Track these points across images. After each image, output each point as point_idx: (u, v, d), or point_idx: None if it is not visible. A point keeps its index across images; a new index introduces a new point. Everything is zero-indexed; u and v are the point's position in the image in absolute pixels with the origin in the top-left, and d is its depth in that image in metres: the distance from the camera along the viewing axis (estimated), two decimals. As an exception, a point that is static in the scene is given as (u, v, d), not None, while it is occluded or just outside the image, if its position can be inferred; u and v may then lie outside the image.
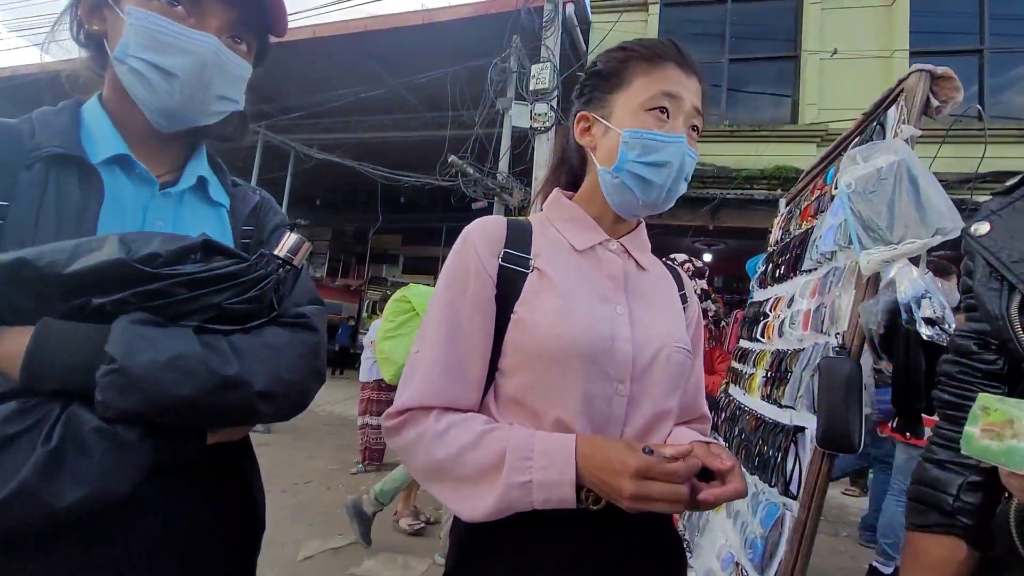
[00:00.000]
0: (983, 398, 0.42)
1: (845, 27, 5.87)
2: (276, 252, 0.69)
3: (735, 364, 2.16)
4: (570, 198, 0.85)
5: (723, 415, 2.04)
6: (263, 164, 7.62)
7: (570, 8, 5.60)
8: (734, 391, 2.04)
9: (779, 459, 1.31)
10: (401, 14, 6.31)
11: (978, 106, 5.15)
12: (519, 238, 0.79)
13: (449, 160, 6.06)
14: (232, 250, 0.65)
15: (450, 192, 6.85)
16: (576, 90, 0.86)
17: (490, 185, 6.45)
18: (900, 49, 5.60)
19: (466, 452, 0.65)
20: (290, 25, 0.82)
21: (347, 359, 11.17)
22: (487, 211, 7.05)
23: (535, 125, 5.25)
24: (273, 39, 0.80)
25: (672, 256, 2.57)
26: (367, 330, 5.20)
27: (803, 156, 5.71)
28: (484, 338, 0.74)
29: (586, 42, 6.34)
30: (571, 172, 0.89)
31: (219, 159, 0.83)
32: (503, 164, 6.41)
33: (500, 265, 0.76)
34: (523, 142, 5.93)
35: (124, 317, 0.55)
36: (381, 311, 3.30)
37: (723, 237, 6.71)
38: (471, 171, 6.27)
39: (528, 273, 0.76)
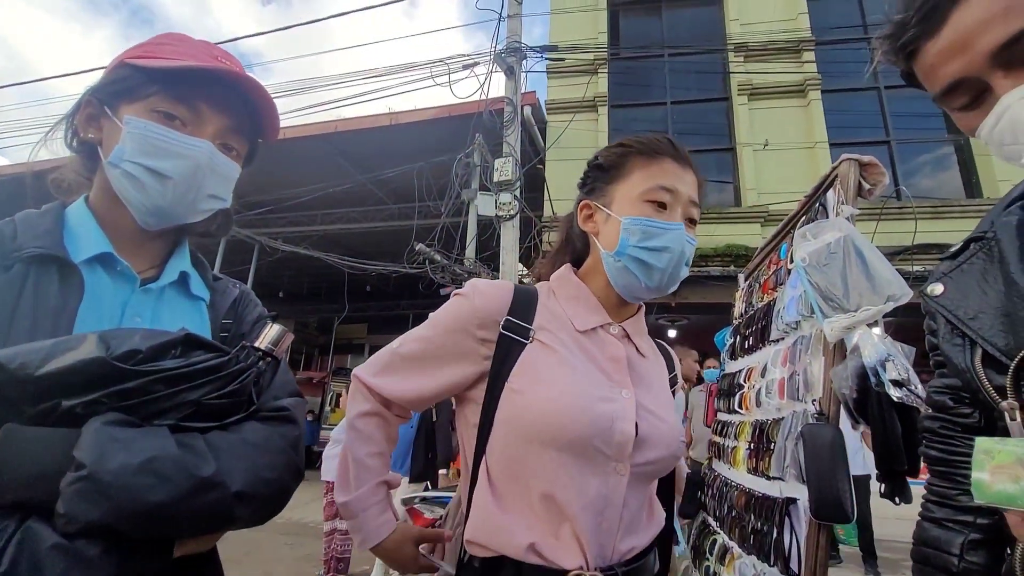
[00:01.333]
0: (982, 442, 0.42)
1: (771, 123, 6.61)
2: (257, 344, 0.69)
3: (715, 438, 2.15)
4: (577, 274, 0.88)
5: (710, 491, 2.00)
6: (227, 257, 7.55)
7: (527, 110, 6.12)
8: (719, 466, 2.01)
9: (775, 535, 1.28)
10: (369, 116, 6.72)
11: (902, 188, 5.78)
12: (523, 307, 0.80)
13: (416, 248, 6.19)
14: (212, 343, 0.64)
15: (417, 279, 6.92)
16: (579, 181, 0.92)
17: (457, 271, 6.57)
18: (820, 141, 6.31)
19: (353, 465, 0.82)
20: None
21: (307, 458, 10.43)
22: (455, 296, 7.11)
23: (500, 213, 5.50)
24: None
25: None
26: (331, 425, 4.94)
27: (750, 235, 6.15)
28: (440, 381, 0.80)
29: (543, 139, 6.86)
30: (574, 252, 0.93)
31: (200, 255, 0.84)
32: (470, 250, 6.59)
33: (501, 333, 0.77)
34: (488, 229, 6.16)
35: (96, 419, 0.52)
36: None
37: (685, 313, 6.94)
38: (438, 258, 6.41)
39: (527, 343, 0.77)
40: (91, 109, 0.71)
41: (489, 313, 0.78)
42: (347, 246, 8.34)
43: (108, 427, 0.52)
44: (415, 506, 3.63)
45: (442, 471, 4.52)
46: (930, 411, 0.70)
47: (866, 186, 1.39)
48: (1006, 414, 0.53)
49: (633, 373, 0.80)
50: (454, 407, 0.88)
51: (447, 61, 5.83)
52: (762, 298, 1.91)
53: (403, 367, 0.82)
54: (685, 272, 0.81)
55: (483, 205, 5.61)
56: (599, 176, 0.87)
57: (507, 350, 0.76)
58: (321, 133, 6.55)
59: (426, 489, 4.31)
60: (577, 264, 0.91)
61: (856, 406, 1.18)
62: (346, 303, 8.70)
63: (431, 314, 0.85)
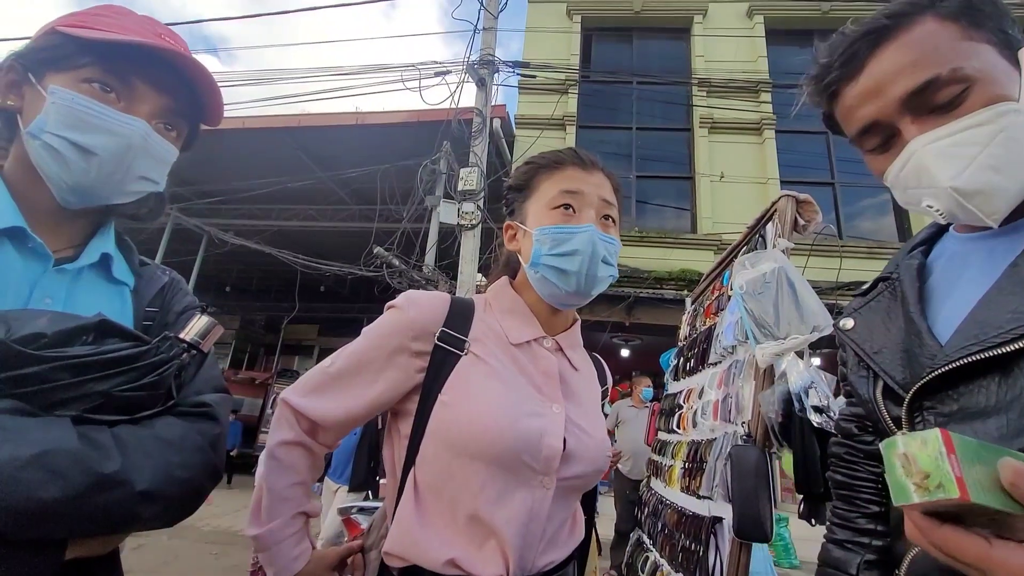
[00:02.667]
0: (891, 442, 0.39)
1: (728, 156, 6.93)
2: (182, 335, 0.65)
3: (654, 456, 2.19)
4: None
5: (646, 510, 2.03)
6: (172, 247, 7.19)
7: (496, 122, 6.17)
8: (655, 484, 2.05)
9: (701, 552, 1.32)
10: (335, 114, 6.60)
11: (831, 225, 6.15)
12: (460, 319, 0.80)
13: (375, 251, 6.09)
14: (131, 331, 0.61)
15: (373, 283, 6.78)
16: (503, 205, 0.93)
17: (415, 277, 6.49)
18: (772, 178, 6.66)
19: (269, 498, 0.77)
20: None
21: (242, 464, 9.76)
22: (411, 302, 7.01)
23: (462, 222, 5.50)
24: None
25: None
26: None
27: (703, 261, 6.39)
28: (373, 396, 0.78)
29: (511, 152, 6.93)
30: (512, 273, 0.94)
31: (127, 238, 0.79)
32: (429, 257, 6.53)
33: (435, 344, 0.77)
34: (450, 237, 6.13)
35: None
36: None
37: (639, 333, 7.11)
38: (397, 263, 6.32)
39: (462, 355, 0.76)
40: (13, 75, 0.66)
41: (424, 324, 0.77)
42: (302, 244, 8.09)
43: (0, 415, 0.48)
44: (352, 516, 3.51)
45: (383, 481, 4.39)
46: (838, 437, 0.74)
47: (801, 222, 1.47)
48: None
49: (565, 387, 0.81)
50: None
51: (419, 66, 5.81)
52: (705, 322, 1.98)
53: (334, 386, 0.79)
54: (604, 271, 0.80)
55: (445, 213, 5.59)
56: (515, 197, 0.89)
57: (441, 362, 0.76)
58: (284, 126, 6.38)
59: (366, 499, 4.18)
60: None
61: (781, 430, 1.24)
62: (296, 302, 8.43)
63: (364, 328, 0.83)
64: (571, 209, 0.80)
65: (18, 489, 0.46)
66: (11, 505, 0.46)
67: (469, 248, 5.53)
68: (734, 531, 1.13)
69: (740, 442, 1.27)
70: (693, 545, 1.36)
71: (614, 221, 0.84)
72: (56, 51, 0.65)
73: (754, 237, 1.66)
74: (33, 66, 0.65)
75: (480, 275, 5.76)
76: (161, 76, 0.68)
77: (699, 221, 6.72)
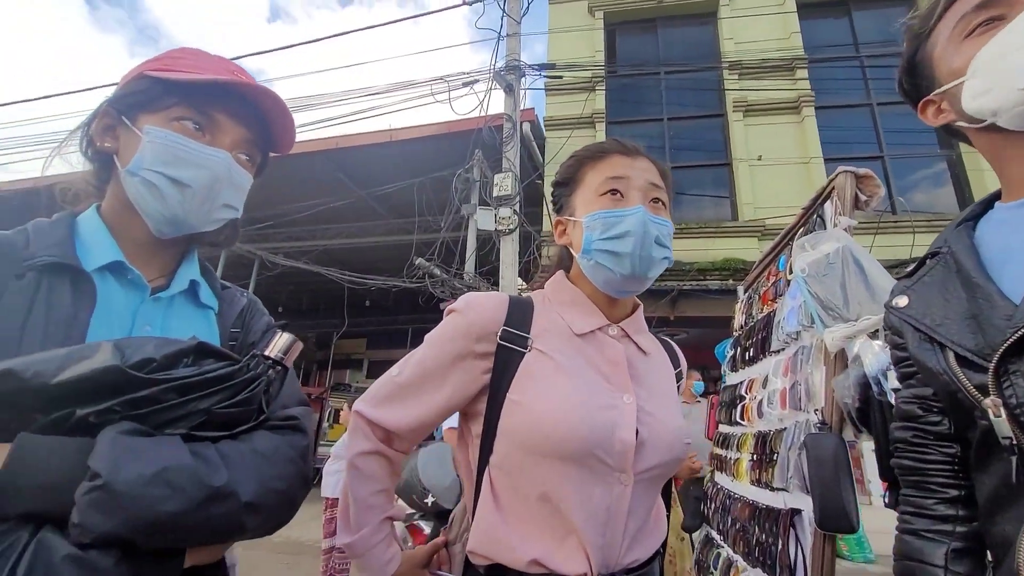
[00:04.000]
0: None
1: (766, 138, 6.70)
2: (267, 352, 0.68)
3: (717, 450, 2.14)
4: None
5: (713, 505, 1.99)
6: (226, 273, 7.56)
7: (526, 126, 6.20)
8: (721, 478, 2.00)
9: (780, 547, 1.28)
10: (369, 133, 6.78)
11: (900, 199, 5.84)
12: (520, 316, 0.80)
13: (416, 262, 6.21)
14: (224, 352, 0.64)
15: (417, 293, 6.92)
16: (551, 204, 0.94)
17: (457, 285, 6.58)
18: (815, 156, 6.39)
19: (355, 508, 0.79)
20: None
21: (304, 475, 10.22)
22: (455, 311, 7.12)
23: (500, 228, 5.54)
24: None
25: None
26: (330, 441, 4.89)
27: (747, 248, 6.20)
28: (442, 401, 0.79)
29: (542, 155, 6.95)
30: (566, 267, 0.93)
31: (207, 264, 0.84)
32: (469, 265, 6.61)
33: (498, 344, 0.77)
34: (488, 244, 6.19)
35: (110, 428, 0.52)
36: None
37: (685, 326, 6.95)
38: (438, 272, 6.42)
39: (526, 352, 0.76)
40: (108, 119, 0.72)
41: (485, 325, 0.78)
42: (346, 261, 8.34)
43: (122, 437, 0.51)
44: (415, 523, 3.59)
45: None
46: (900, 422, 0.70)
47: (863, 198, 1.41)
48: (989, 411, 0.54)
49: (634, 374, 0.80)
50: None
51: (447, 79, 5.92)
52: (762, 309, 1.93)
53: (403, 395, 0.81)
54: (660, 252, 0.79)
55: (482, 220, 5.65)
56: (562, 192, 0.89)
57: (506, 360, 0.76)
58: (322, 149, 6.61)
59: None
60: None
61: (859, 415, 1.19)
62: (345, 318, 8.69)
63: (427, 335, 0.84)
64: (618, 194, 0.80)
65: (144, 504, 0.50)
66: (140, 518, 0.49)
67: (509, 253, 5.56)
68: (816, 523, 1.09)
69: (814, 430, 1.23)
70: (769, 539, 1.32)
71: (664, 204, 0.83)
72: (146, 94, 0.69)
73: (811, 218, 1.60)
74: (126, 109, 0.70)
75: (520, 280, 5.79)
76: (238, 109, 0.73)
77: (740, 207, 6.52)
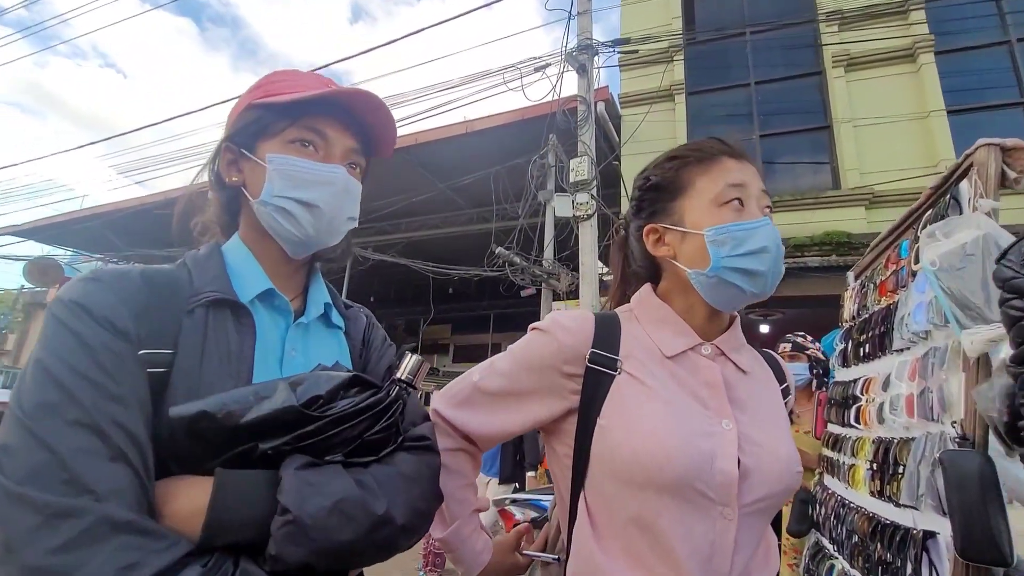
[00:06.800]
0: None
1: (873, 94, 5.98)
2: (399, 376, 0.71)
3: (827, 452, 1.99)
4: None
5: (823, 510, 1.86)
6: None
7: (601, 106, 6.01)
8: (832, 483, 1.86)
9: (909, 571, 1.16)
10: (446, 126, 6.93)
11: None
12: (607, 337, 0.77)
13: (496, 251, 6.30)
14: (370, 381, 0.67)
15: (498, 281, 7.05)
16: (633, 206, 0.87)
17: (537, 272, 6.61)
18: (935, 110, 5.61)
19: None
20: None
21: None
22: (536, 297, 7.16)
23: (577, 213, 5.46)
24: None
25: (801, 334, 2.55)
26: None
27: (852, 219, 5.63)
28: (524, 418, 0.79)
29: (618, 134, 6.71)
30: (640, 281, 0.88)
31: (328, 283, 0.86)
32: (548, 251, 6.60)
33: (587, 367, 0.74)
34: (566, 229, 6.14)
35: (290, 463, 0.56)
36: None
37: (779, 306, 6.48)
38: (518, 260, 6.48)
39: (616, 375, 0.74)
40: (230, 155, 0.75)
41: (574, 348, 0.76)
42: (430, 252, 8.67)
43: (301, 471, 0.56)
44: (506, 508, 3.71)
45: (530, 473, 4.58)
46: None
47: (1011, 174, 1.22)
48: None
49: (734, 397, 0.74)
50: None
51: (519, 66, 5.87)
52: (879, 301, 1.74)
53: (484, 403, 0.81)
54: (783, 267, 0.76)
55: (560, 206, 5.60)
56: (658, 196, 0.82)
57: (595, 384, 0.74)
58: (403, 146, 6.86)
59: (515, 491, 4.39)
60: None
61: (1008, 430, 1.05)
62: (431, 306, 9.06)
63: (510, 347, 0.83)
64: (740, 203, 0.74)
65: (327, 534, 0.54)
66: (323, 547, 0.54)
67: (588, 239, 5.48)
68: (957, 551, 0.98)
69: (952, 445, 1.10)
70: (897, 560, 1.21)
71: (771, 211, 0.78)
72: (258, 123, 0.72)
73: (940, 199, 1.41)
74: (244, 142, 0.73)
75: (601, 264, 5.69)
76: (343, 120, 0.74)
77: (843, 174, 5.90)
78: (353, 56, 6.29)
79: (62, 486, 0.46)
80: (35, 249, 12.07)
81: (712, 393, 0.74)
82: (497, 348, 13.05)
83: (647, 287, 0.85)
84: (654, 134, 6.36)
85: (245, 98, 0.75)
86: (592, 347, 0.75)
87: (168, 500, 0.53)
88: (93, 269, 0.72)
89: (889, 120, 5.79)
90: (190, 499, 0.53)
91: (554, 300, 7.32)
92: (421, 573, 4.30)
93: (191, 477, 0.55)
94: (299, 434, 0.57)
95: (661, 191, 0.81)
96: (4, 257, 11.39)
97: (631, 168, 6.39)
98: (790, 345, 2.71)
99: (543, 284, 6.82)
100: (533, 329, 0.81)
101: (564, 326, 0.78)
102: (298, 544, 0.52)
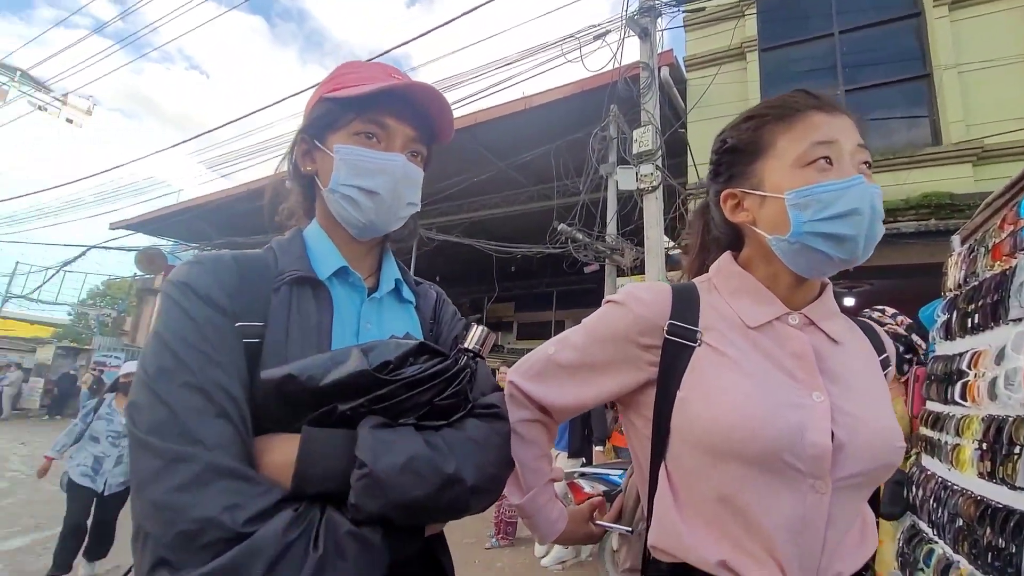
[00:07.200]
0: None
1: (983, 35, 5.27)
2: (467, 346, 0.74)
3: (925, 431, 1.85)
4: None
5: (921, 492, 1.74)
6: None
7: (665, 71, 5.72)
8: (932, 464, 1.73)
9: (1026, 557, 1.07)
10: (505, 104, 6.89)
11: None
12: (686, 308, 0.75)
13: (558, 228, 6.26)
14: (438, 349, 0.71)
15: (561, 258, 7.01)
16: (711, 171, 0.83)
17: (600, 248, 6.51)
18: (1063, 47, 4.87)
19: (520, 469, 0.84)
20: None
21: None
22: (599, 274, 7.07)
23: (641, 186, 5.28)
24: None
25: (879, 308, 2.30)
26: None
27: (956, 179, 5.06)
28: (599, 390, 0.78)
29: (684, 100, 6.38)
30: (720, 248, 0.85)
31: (399, 261, 0.92)
32: (611, 227, 6.47)
33: (665, 338, 0.73)
34: (630, 202, 5.97)
35: (365, 422, 0.61)
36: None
37: (868, 276, 5.99)
38: (580, 236, 6.40)
39: (695, 347, 0.72)
40: (304, 145, 0.81)
41: (650, 320, 0.74)
42: (492, 230, 8.77)
43: (376, 430, 0.61)
44: (575, 480, 3.77)
45: (598, 448, 4.61)
46: None
47: None
48: None
49: (825, 368, 0.70)
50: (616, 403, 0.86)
51: (577, 35, 5.70)
52: (992, 266, 1.57)
53: (559, 375, 0.82)
54: (882, 230, 0.69)
55: (623, 179, 5.44)
56: (735, 159, 0.77)
57: (674, 355, 0.72)
58: (462, 127, 6.91)
59: (583, 464, 4.44)
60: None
61: None
62: (495, 284, 9.19)
63: (585, 320, 0.83)
64: (828, 162, 0.68)
65: (400, 489, 0.58)
66: (396, 501, 0.58)
67: (652, 212, 5.30)
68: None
69: (1082, 424, 0.99)
70: (1012, 546, 1.12)
71: (870, 166, 0.70)
72: (328, 116, 0.77)
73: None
74: (316, 134, 0.79)
75: (667, 239, 5.50)
76: (403, 111, 0.78)
77: (945, 128, 5.28)
78: (411, 40, 6.36)
79: (178, 437, 0.54)
80: (143, 240, 13.46)
81: (800, 364, 0.70)
82: (560, 325, 13.07)
83: (727, 256, 0.82)
84: (724, 97, 5.99)
85: (319, 90, 0.80)
86: (670, 319, 0.74)
87: (264, 453, 0.60)
88: (195, 254, 0.80)
89: (1003, 63, 5.09)
90: (282, 453, 0.59)
91: (618, 276, 7.20)
92: (493, 540, 4.48)
93: (283, 434, 0.61)
94: (373, 397, 0.61)
95: (738, 153, 0.77)
96: (118, 248, 12.77)
97: (698, 136, 6.07)
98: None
99: (606, 260, 6.71)
100: (608, 302, 0.81)
101: (640, 298, 0.77)
102: (375, 496, 0.57)
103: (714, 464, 0.67)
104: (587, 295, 10.74)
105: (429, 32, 6.27)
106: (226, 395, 0.59)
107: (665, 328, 0.74)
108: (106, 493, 3.39)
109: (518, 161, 7.17)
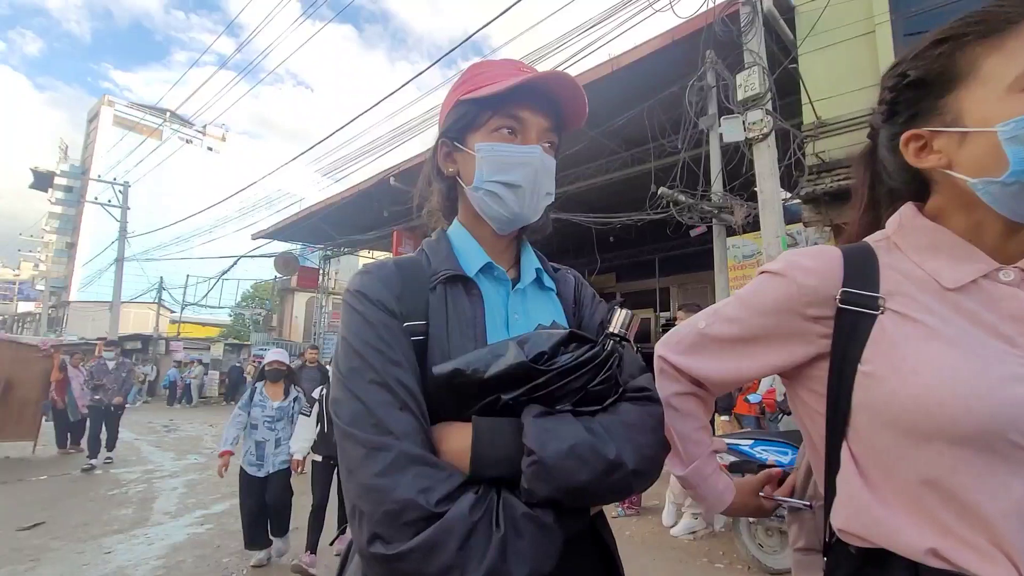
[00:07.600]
0: None
1: None
2: (612, 330, 0.75)
3: None
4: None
5: None
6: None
7: (768, 1, 5.14)
8: None
9: None
10: (590, 69, 6.67)
11: None
12: (862, 272, 0.68)
13: (659, 192, 6.00)
14: (586, 336, 0.73)
15: (663, 224, 6.72)
16: (883, 112, 0.72)
17: (706, 208, 6.14)
18: None
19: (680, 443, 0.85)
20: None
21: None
22: (707, 236, 6.68)
23: (750, 135, 4.86)
24: None
25: None
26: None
27: None
28: (762, 365, 0.75)
29: (793, 32, 5.69)
30: (897, 203, 0.75)
31: (537, 250, 0.95)
32: (717, 184, 6.06)
33: (839, 307, 0.67)
34: (737, 155, 5.53)
35: (528, 411, 0.65)
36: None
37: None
38: (683, 198, 6.08)
39: (878, 314, 0.65)
40: (446, 148, 0.84)
41: (817, 289, 0.68)
42: (589, 202, 8.63)
43: (539, 419, 0.65)
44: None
45: (723, 417, 4.44)
46: None
47: None
48: None
49: None
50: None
51: (664, -19, 5.31)
52: None
53: (713, 348, 0.79)
54: None
55: (728, 131, 5.04)
56: (921, 95, 0.66)
57: (851, 326, 0.66)
58: (550, 100, 6.82)
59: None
60: (876, 225, 0.75)
61: None
62: (597, 257, 9.07)
63: (737, 292, 0.80)
64: None
65: (565, 474, 0.62)
66: (564, 485, 0.62)
67: (765, 162, 4.87)
68: None
69: None
70: None
71: None
72: (466, 117, 0.81)
73: None
74: (456, 135, 0.83)
75: (783, 191, 5.03)
76: (536, 103, 0.80)
77: None
78: (490, 23, 6.37)
79: (373, 428, 0.61)
80: (279, 247, 15.33)
81: (1021, 328, 0.61)
82: (665, 292, 12.60)
83: (909, 208, 0.71)
84: (842, 19, 5.25)
85: (453, 94, 0.83)
86: (843, 286, 0.67)
87: (442, 441, 0.65)
88: (364, 265, 0.89)
89: None
90: (458, 440, 0.64)
91: (728, 236, 6.73)
92: (619, 510, 4.55)
93: (454, 423, 0.66)
94: (531, 386, 0.66)
95: (926, 87, 0.66)
96: (260, 256, 14.65)
97: (813, 69, 5.40)
98: None
99: (714, 220, 6.32)
100: (764, 272, 0.76)
101: (802, 266, 0.70)
102: (544, 481, 0.61)
103: (914, 444, 0.61)
104: (694, 259, 10.20)
105: (506, 11, 6.23)
106: (405, 389, 0.66)
107: (838, 297, 0.67)
108: (271, 472, 3.66)
109: (610, 127, 6.93)
